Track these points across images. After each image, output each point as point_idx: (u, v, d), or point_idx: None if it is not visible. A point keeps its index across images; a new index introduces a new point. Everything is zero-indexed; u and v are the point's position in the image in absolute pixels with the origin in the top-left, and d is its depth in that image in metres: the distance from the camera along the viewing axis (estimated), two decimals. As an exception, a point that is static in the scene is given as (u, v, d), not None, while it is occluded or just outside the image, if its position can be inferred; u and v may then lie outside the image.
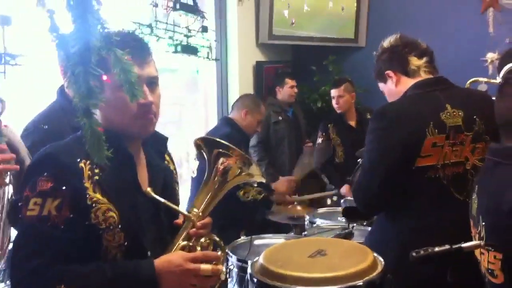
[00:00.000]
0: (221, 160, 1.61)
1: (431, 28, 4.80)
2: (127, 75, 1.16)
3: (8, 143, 1.78)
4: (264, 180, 1.72)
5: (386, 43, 2.17)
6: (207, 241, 1.55)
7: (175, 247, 1.49)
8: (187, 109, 4.92)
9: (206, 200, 1.59)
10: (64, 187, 1.32)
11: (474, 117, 1.98)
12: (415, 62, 2.09)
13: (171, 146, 2.87)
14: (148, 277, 1.36)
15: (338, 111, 4.38)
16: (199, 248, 1.51)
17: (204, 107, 5.18)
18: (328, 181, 4.43)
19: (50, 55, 2.38)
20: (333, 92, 4.36)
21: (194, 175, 3.25)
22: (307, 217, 3.02)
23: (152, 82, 1.47)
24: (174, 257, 1.42)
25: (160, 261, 1.39)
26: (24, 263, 1.29)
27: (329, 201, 4.06)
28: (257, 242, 2.63)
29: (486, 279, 1.48)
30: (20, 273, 1.30)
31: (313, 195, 4.06)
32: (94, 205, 1.35)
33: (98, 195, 1.36)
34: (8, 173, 1.74)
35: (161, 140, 1.66)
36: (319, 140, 4.40)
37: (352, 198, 2.70)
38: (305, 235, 2.69)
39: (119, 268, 1.35)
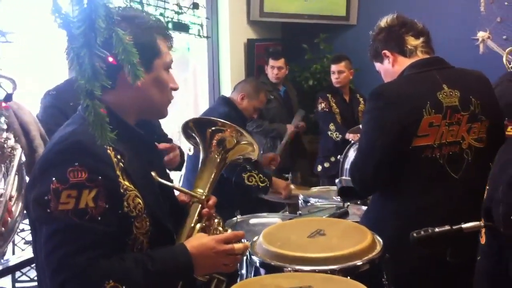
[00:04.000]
0: (215, 136, 1.61)
1: (421, 6, 4.77)
2: (129, 56, 1.14)
3: (18, 122, 1.76)
4: (257, 153, 1.69)
5: (382, 22, 2.15)
6: (219, 220, 1.57)
7: (190, 228, 1.51)
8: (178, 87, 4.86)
9: (209, 180, 1.59)
10: (100, 177, 1.26)
11: (470, 97, 1.99)
12: (412, 42, 2.08)
13: (163, 125, 2.86)
14: (184, 263, 1.37)
15: (337, 85, 4.54)
16: (220, 229, 1.54)
17: (194, 85, 5.15)
18: (335, 128, 4.46)
19: (42, 31, 2.35)
20: (334, 67, 4.52)
21: (191, 152, 3.23)
22: (301, 196, 3.04)
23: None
24: (206, 240, 1.43)
25: (192, 246, 1.40)
26: (68, 261, 1.22)
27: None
28: (252, 221, 2.64)
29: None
30: (66, 272, 1.22)
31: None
32: (125, 193, 1.31)
33: (127, 182, 1.32)
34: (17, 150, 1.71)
35: (150, 123, 1.68)
36: (322, 105, 4.53)
37: (346, 178, 2.73)
38: (299, 214, 2.70)
39: (159, 259, 1.32)
